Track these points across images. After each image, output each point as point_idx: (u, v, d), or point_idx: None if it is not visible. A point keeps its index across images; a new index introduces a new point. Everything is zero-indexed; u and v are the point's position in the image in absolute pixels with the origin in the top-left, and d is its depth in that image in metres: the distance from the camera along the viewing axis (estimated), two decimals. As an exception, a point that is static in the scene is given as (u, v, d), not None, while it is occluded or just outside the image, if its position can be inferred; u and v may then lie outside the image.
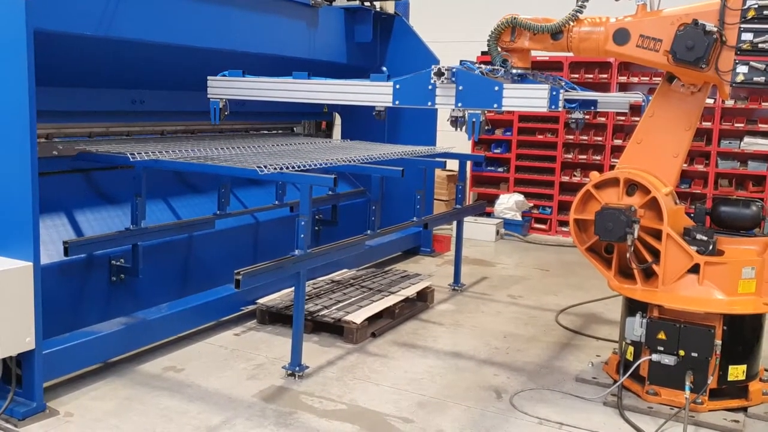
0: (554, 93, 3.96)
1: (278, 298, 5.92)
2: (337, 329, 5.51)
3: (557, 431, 4.14)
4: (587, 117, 5.42)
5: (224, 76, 4.80)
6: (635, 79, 9.77)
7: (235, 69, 4.82)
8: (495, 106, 3.97)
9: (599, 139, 9.99)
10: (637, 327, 4.37)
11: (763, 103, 9.14)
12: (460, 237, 7.17)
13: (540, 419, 4.26)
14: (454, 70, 4.02)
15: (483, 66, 4.21)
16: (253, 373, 4.79)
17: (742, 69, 3.99)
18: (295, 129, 8.41)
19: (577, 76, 9.88)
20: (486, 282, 7.50)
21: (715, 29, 4.00)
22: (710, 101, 8.90)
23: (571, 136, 10.11)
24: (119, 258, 5.21)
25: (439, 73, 4.01)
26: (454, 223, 7.30)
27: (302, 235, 4.63)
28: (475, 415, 4.31)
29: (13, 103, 3.82)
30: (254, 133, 7.71)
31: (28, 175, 3.83)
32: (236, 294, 5.50)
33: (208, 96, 4.85)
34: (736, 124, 9.24)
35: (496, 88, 3.93)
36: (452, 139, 7.43)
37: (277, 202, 6.78)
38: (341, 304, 5.81)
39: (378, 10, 7.91)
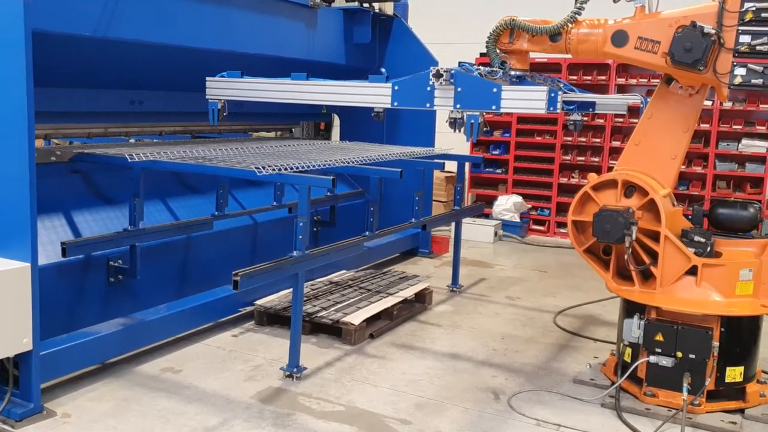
0: (552, 95, 3.96)
1: (276, 299, 5.92)
2: (335, 330, 5.51)
3: (555, 433, 4.15)
4: (585, 119, 5.43)
5: (223, 77, 4.80)
6: (633, 81, 9.78)
7: (233, 70, 4.82)
8: (493, 107, 3.97)
9: (597, 140, 10.00)
10: (634, 328, 4.37)
11: (761, 105, 9.14)
12: (459, 238, 7.17)
13: (538, 420, 4.26)
14: (452, 71, 4.02)
15: (481, 68, 4.22)
16: (251, 375, 4.79)
17: (740, 71, 4.00)
18: (293, 130, 8.41)
19: (575, 77, 9.89)
20: (484, 283, 7.51)
21: (713, 31, 4.00)
22: (708, 103, 8.91)
23: (570, 138, 10.12)
24: (117, 259, 5.20)
25: (438, 75, 4.00)
26: (453, 224, 7.31)
27: (300, 237, 4.63)
28: (473, 416, 4.31)
29: (11, 104, 3.81)
30: (253, 134, 7.72)
31: (26, 175, 3.83)
32: (234, 295, 5.50)
33: (207, 97, 4.84)
34: (734, 126, 9.25)
35: (495, 90, 3.93)
36: (451, 141, 7.44)
37: (275, 203, 6.77)
38: (339, 306, 5.81)
39: (377, 11, 7.91)
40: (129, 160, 4.86)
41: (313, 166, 5.00)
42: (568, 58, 8.43)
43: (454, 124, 4.06)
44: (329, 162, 5.23)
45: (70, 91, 5.36)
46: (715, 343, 4.21)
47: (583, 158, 10.11)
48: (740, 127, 9.23)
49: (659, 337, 4.29)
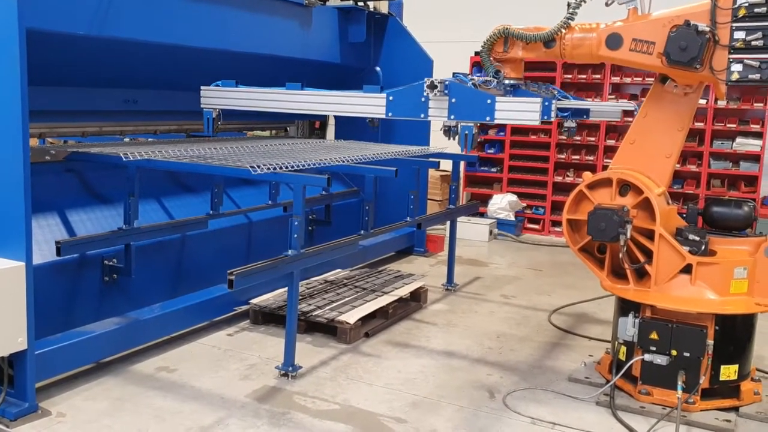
0: (546, 104, 4.00)
1: (271, 298, 5.92)
2: (330, 329, 5.51)
3: (550, 431, 4.15)
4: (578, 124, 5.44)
5: (218, 86, 4.83)
6: (628, 80, 9.80)
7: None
8: (487, 118, 4.01)
9: (592, 139, 10.02)
10: (629, 327, 4.38)
11: (755, 104, 9.17)
12: (454, 237, 7.18)
13: (533, 419, 4.27)
14: (447, 82, 4.06)
15: (475, 77, 4.23)
16: (246, 374, 4.79)
17: (737, 67, 4.00)
18: (288, 129, 8.41)
19: (570, 76, 9.91)
20: (479, 282, 7.51)
21: (708, 29, 4.00)
22: (703, 102, 8.93)
23: (564, 137, 10.11)
24: (112, 258, 5.20)
25: (432, 86, 4.03)
26: (448, 223, 7.31)
27: (295, 235, 4.63)
28: (468, 414, 4.31)
29: (5, 103, 3.80)
30: (247, 132, 7.71)
31: (21, 174, 3.82)
32: (229, 294, 5.49)
33: (202, 106, 4.90)
34: (728, 125, 9.27)
35: (489, 101, 3.97)
36: (445, 140, 7.37)
37: (270, 202, 6.77)
38: (334, 304, 5.81)
39: (372, 10, 7.91)
40: (124, 159, 4.85)
41: (308, 165, 5.00)
42: (563, 57, 8.44)
43: (448, 132, 4.10)
44: (324, 161, 5.23)
45: (64, 89, 5.35)
46: (710, 342, 4.22)
47: (577, 157, 10.12)
48: (735, 125, 9.26)
49: (654, 336, 4.30)
